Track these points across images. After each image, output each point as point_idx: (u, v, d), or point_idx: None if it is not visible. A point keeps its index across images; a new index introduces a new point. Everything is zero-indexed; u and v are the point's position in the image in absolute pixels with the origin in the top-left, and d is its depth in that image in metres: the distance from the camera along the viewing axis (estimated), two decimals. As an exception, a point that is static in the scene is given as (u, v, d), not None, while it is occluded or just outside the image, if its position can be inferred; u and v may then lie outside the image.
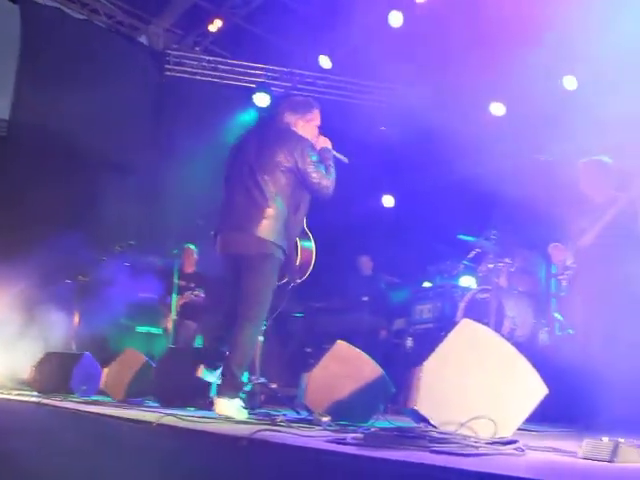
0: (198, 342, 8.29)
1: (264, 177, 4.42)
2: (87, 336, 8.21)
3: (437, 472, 1.95)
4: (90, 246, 8.33)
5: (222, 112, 10.11)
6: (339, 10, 8.35)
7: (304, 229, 4.77)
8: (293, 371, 6.82)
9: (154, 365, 5.98)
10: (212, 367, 4.51)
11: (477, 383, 3.15)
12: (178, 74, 10.30)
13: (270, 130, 4.70)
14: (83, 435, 3.88)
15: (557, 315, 6.58)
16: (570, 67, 7.66)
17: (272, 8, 9.53)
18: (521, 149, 7.47)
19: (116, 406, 5.17)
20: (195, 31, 10.47)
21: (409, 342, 7.57)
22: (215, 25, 10.02)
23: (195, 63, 10.45)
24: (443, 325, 7.05)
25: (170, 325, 7.29)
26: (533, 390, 3.22)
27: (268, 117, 9.20)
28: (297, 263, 4.67)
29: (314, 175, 4.45)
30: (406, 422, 3.42)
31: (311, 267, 4.77)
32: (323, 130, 4.82)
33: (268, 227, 4.33)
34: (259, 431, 2.73)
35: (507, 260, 6.94)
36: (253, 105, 10.04)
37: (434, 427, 2.97)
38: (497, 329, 5.97)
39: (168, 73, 10.22)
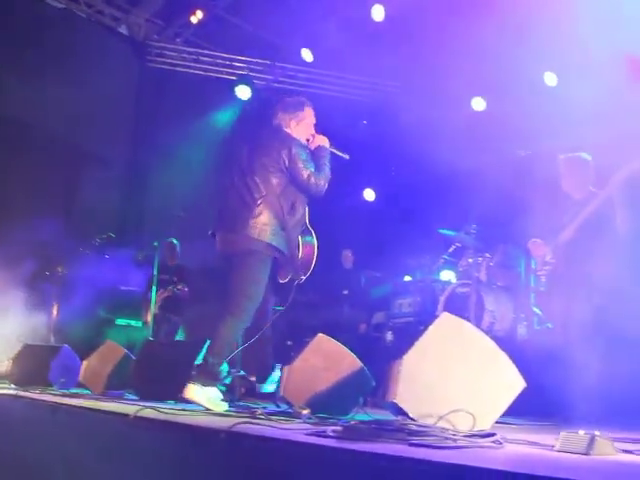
0: (179, 335, 8.27)
1: (254, 178, 4.52)
2: (66, 328, 8.16)
3: (415, 465, 1.96)
4: (69, 238, 8.27)
5: (203, 104, 10.06)
6: (322, 3, 8.34)
7: (306, 225, 4.81)
8: (273, 364, 6.81)
9: (133, 358, 5.95)
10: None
11: (456, 376, 3.17)
12: (159, 65, 10.23)
13: (263, 131, 4.78)
14: (61, 428, 3.86)
15: (536, 310, 6.63)
16: (551, 63, 7.70)
17: (254, 0, 9.49)
18: (501, 144, 7.51)
19: (95, 399, 5.14)
20: (176, 22, 10.40)
21: (389, 336, 7.59)
22: (197, 16, 9.96)
23: (176, 54, 10.39)
24: (423, 319, 7.07)
25: (150, 318, 7.26)
26: (511, 384, 3.25)
27: (263, 120, 9.26)
28: (299, 258, 4.71)
29: (303, 173, 4.50)
30: (385, 415, 3.44)
31: (313, 262, 4.83)
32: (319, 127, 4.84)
33: (258, 227, 4.42)
34: (238, 424, 2.73)
35: (487, 255, 6.98)
36: (234, 97, 9.99)
37: (413, 420, 2.99)
38: (477, 323, 6.01)
39: (149, 64, 10.14)
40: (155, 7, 10.24)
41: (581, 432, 2.46)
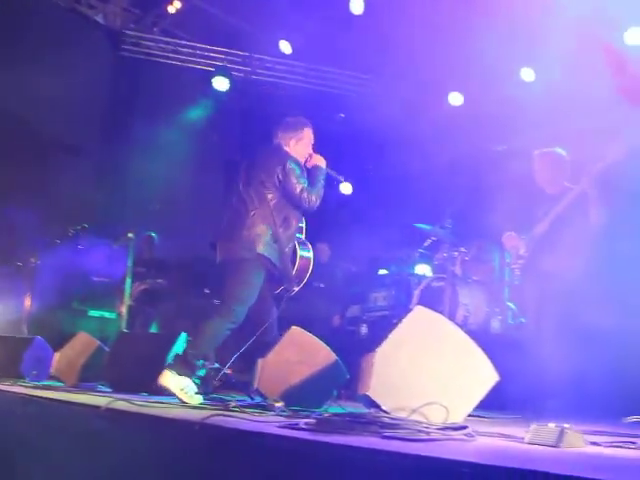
0: (154, 328, 8.22)
1: (249, 192, 4.80)
2: (38, 320, 8.08)
3: (388, 457, 1.97)
4: (43, 228, 8.18)
5: (180, 95, 9.99)
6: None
7: (303, 239, 5.17)
8: (248, 357, 6.80)
9: (107, 350, 5.91)
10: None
11: (429, 369, 3.18)
12: (135, 55, 10.12)
13: (262, 149, 5.08)
14: (32, 420, 3.83)
15: (510, 304, 6.68)
16: (528, 59, 7.74)
17: (232, -10, 9.43)
18: (478, 139, 7.55)
19: (67, 391, 5.10)
20: (153, 11, 10.27)
21: (364, 329, 7.61)
22: (174, 6, 9.85)
23: (153, 44, 10.28)
24: (398, 312, 7.10)
25: (124, 310, 7.21)
26: (484, 377, 3.27)
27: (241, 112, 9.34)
28: (294, 271, 4.99)
29: (296, 187, 4.75)
30: (359, 408, 3.45)
31: (308, 275, 5.12)
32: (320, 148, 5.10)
33: (251, 238, 4.67)
34: (211, 416, 2.73)
35: (462, 249, 7.02)
36: (212, 89, 9.93)
37: (386, 413, 3.00)
38: (451, 317, 6.04)
39: (124, 53, 10.04)
40: (132, -4, 10.14)
41: (551, 425, 2.48)
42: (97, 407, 3.31)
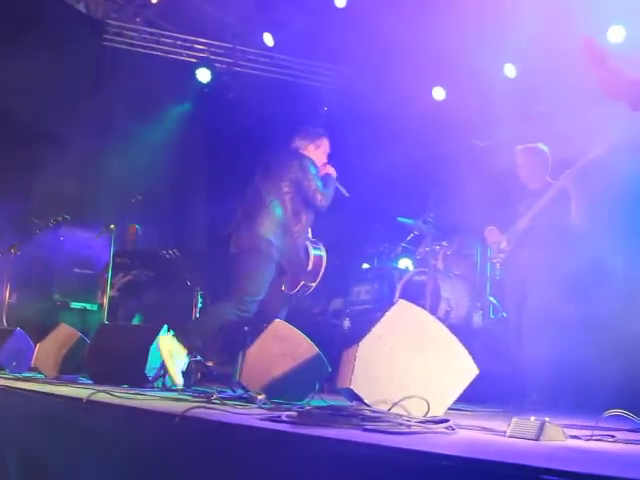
0: (137, 320, 8.19)
1: (265, 185, 5.12)
2: (19, 311, 8.02)
3: (369, 450, 1.98)
4: (23, 219, 8.11)
5: (162, 86, 9.92)
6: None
7: (314, 239, 5.52)
8: (230, 349, 6.80)
9: (88, 341, 5.88)
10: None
11: (411, 363, 3.20)
12: (117, 45, 10.03)
13: (280, 150, 5.41)
14: (12, 412, 3.80)
15: (492, 298, 6.72)
16: (510, 55, 7.76)
17: (216, -19, 9.38)
18: (460, 134, 7.57)
19: (48, 383, 5.08)
20: (135, 1, 10.19)
21: (346, 323, 7.62)
22: (157, -4, 9.78)
23: (135, 35, 10.19)
24: (380, 306, 7.11)
25: (106, 301, 7.17)
26: (465, 370, 3.29)
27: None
28: (309, 268, 5.33)
29: (311, 185, 5.08)
30: (341, 401, 3.46)
31: (322, 272, 5.44)
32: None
33: (264, 225, 4.96)
34: (192, 408, 2.72)
35: (444, 243, 7.04)
36: (195, 80, 9.88)
37: (368, 406, 3.01)
38: (433, 311, 6.07)
39: (106, 43, 9.94)
40: (114, -15, 10.05)
41: (532, 418, 2.50)
42: (78, 399, 3.30)
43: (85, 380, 5.55)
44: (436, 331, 3.33)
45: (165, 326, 5.41)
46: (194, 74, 9.82)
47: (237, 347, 4.79)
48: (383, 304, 7.01)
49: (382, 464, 1.89)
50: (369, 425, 2.44)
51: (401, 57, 7.99)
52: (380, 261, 8.18)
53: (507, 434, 2.53)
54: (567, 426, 2.68)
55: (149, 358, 5.22)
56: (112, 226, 7.04)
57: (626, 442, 2.59)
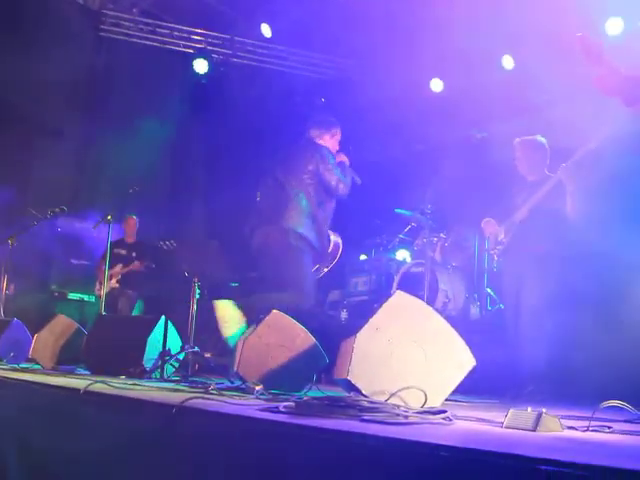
0: (137, 311, 8.20)
1: (288, 177, 5.23)
2: (16, 302, 8.02)
3: (366, 440, 1.98)
4: (21, 210, 8.10)
5: (159, 77, 9.89)
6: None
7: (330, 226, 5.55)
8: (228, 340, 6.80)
9: (86, 332, 5.88)
10: None
11: (408, 354, 3.20)
12: (114, 36, 9.99)
13: (294, 143, 5.51)
14: (9, 403, 3.80)
15: (489, 290, 6.73)
16: (508, 46, 7.75)
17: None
18: (458, 126, 7.56)
19: (45, 373, 5.08)
20: (132, -9, 10.16)
21: (344, 314, 7.63)
22: (154, -14, 9.75)
23: (132, 25, 10.15)
24: (378, 298, 7.12)
25: (103, 292, 7.17)
26: (462, 362, 3.30)
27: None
28: (329, 251, 5.47)
29: (332, 175, 5.23)
30: (338, 392, 3.46)
31: (338, 257, 5.60)
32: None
33: (292, 219, 5.09)
34: (190, 399, 2.73)
35: (442, 235, 7.05)
36: (192, 71, 9.85)
37: (365, 397, 3.02)
38: (430, 302, 6.08)
39: (103, 34, 9.90)
40: (111, -25, 9.99)
41: (529, 409, 2.51)
42: (76, 390, 3.30)
43: (83, 371, 5.56)
44: (434, 322, 3.34)
45: (163, 317, 5.42)
46: (191, 65, 9.79)
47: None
48: (380, 295, 7.02)
49: (379, 455, 1.90)
50: (366, 416, 2.44)
51: (399, 49, 7.97)
52: (378, 252, 8.19)
53: (504, 425, 2.54)
54: (564, 417, 2.69)
55: (147, 349, 5.23)
56: (109, 217, 7.03)
57: (623, 433, 2.60)
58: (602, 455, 2.01)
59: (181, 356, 5.47)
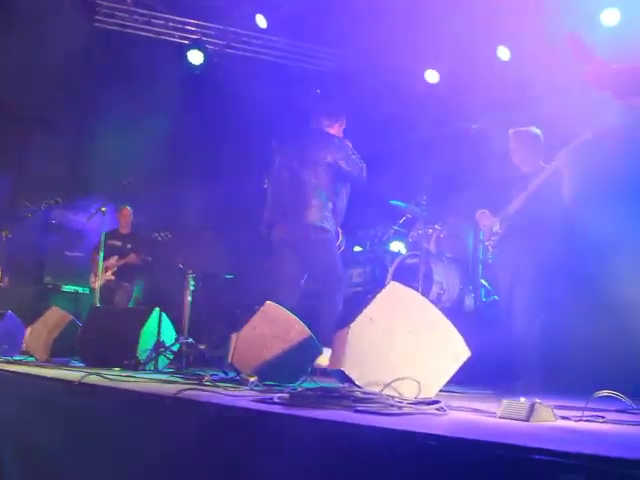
0: (132, 302, 8.18)
1: (306, 173, 5.29)
2: (10, 294, 8.00)
3: (360, 431, 1.98)
4: (15, 203, 8.07)
5: (154, 68, 9.84)
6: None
7: None
8: (222, 332, 6.81)
9: (80, 324, 5.87)
10: None
11: (403, 345, 3.20)
12: (108, 26, 9.93)
13: (306, 134, 5.62)
14: (3, 395, 3.80)
15: (484, 281, 6.73)
16: (504, 38, 7.73)
17: (208, -38, 9.30)
18: (454, 117, 7.55)
19: (40, 366, 5.07)
20: (127, -18, 10.09)
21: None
22: (148, -23, 9.69)
23: (126, 16, 10.09)
24: (372, 289, 7.11)
25: (98, 284, 7.17)
26: (457, 353, 3.30)
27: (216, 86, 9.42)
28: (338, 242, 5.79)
29: (354, 163, 5.42)
30: (332, 383, 3.46)
31: (342, 246, 6.06)
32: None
33: (314, 214, 5.21)
34: (184, 390, 2.72)
35: (437, 226, 7.04)
36: (187, 62, 9.80)
37: (359, 387, 3.01)
38: (425, 294, 6.07)
39: (97, 25, 9.84)
40: (105, -35, 9.92)
41: (522, 400, 2.51)
42: (70, 382, 3.29)
43: (77, 363, 5.56)
44: (428, 313, 3.34)
45: (157, 309, 5.42)
46: (186, 56, 9.74)
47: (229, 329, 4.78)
48: (375, 287, 7.02)
49: (373, 445, 1.90)
50: (360, 406, 2.44)
51: (394, 39, 7.94)
52: (372, 244, 8.18)
53: (498, 415, 2.54)
54: (557, 407, 2.69)
55: (140, 340, 5.23)
56: (103, 209, 7.01)
57: (616, 423, 2.61)
58: (595, 444, 2.01)
59: (175, 348, 5.47)
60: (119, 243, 8.26)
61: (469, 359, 3.31)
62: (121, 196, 7.86)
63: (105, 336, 5.38)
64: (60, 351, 5.79)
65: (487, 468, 1.63)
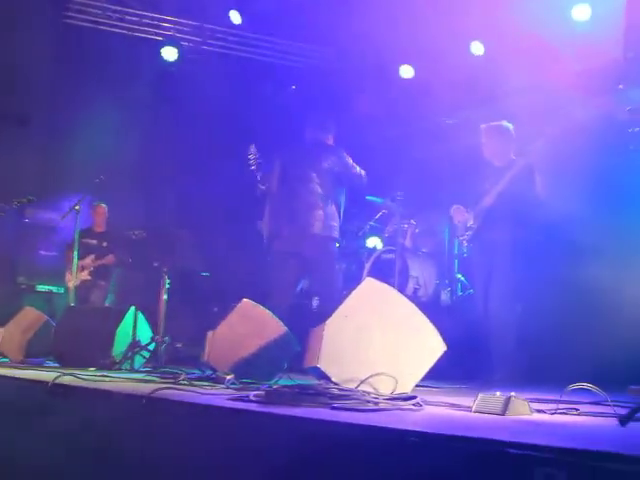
0: (109, 301, 8.11)
1: (310, 184, 5.41)
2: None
3: (336, 427, 1.98)
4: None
5: (127, 65, 9.75)
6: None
7: None
8: (199, 330, 6.77)
9: (54, 324, 5.81)
10: None
11: (379, 341, 3.21)
12: (80, 22, 9.82)
13: (307, 144, 5.74)
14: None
15: (459, 276, 6.77)
16: (478, 33, 7.75)
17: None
18: (428, 112, 7.57)
19: (13, 367, 5.01)
20: (99, -23, 9.98)
21: (315, 302, 7.62)
22: (121, -28, 9.59)
23: (100, 12, 9.98)
24: (349, 285, 7.11)
25: (72, 284, 7.08)
26: (433, 347, 3.31)
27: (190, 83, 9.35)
28: None
29: (356, 171, 5.60)
30: (309, 380, 3.46)
31: None
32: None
33: (322, 224, 5.34)
34: (159, 389, 2.71)
35: (412, 221, 7.06)
36: (161, 59, 9.72)
37: (335, 384, 3.01)
38: (401, 289, 6.09)
39: (69, 21, 9.73)
40: (76, -40, 9.80)
41: (497, 394, 2.53)
42: (44, 383, 3.26)
43: (51, 363, 5.50)
44: (404, 309, 3.35)
45: (132, 307, 5.37)
46: (160, 53, 9.66)
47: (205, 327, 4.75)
48: (351, 283, 7.02)
49: (350, 441, 1.90)
50: (337, 403, 2.45)
51: (369, 35, 7.94)
52: (348, 240, 8.17)
53: (473, 409, 2.55)
54: (532, 400, 2.72)
55: (116, 340, 5.18)
56: (77, 207, 6.94)
57: (589, 415, 2.63)
58: (570, 437, 2.03)
59: (151, 347, 5.43)
60: (94, 241, 8.17)
61: (445, 353, 3.33)
62: (96, 193, 7.79)
63: (80, 336, 5.33)
64: (35, 352, 5.72)
65: (462, 463, 1.63)
